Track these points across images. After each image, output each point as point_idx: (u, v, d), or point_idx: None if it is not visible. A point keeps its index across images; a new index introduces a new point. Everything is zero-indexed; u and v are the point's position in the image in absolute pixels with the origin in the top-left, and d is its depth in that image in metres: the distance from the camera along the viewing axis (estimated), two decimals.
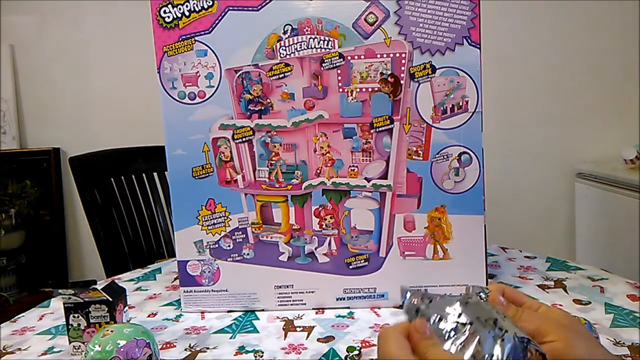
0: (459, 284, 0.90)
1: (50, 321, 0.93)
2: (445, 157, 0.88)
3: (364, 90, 0.87)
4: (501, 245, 1.20)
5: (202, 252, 0.92)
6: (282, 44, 0.87)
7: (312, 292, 0.92)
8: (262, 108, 0.90)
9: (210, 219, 0.92)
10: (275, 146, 0.90)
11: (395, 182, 0.89)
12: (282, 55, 0.88)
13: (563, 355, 0.43)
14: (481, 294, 0.47)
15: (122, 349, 0.66)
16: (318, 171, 0.90)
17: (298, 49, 0.87)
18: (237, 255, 0.92)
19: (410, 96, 0.87)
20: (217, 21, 0.87)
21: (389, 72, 0.86)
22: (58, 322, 0.92)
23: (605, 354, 0.47)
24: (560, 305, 0.88)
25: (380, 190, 0.89)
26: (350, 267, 0.91)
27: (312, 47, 0.87)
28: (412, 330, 0.45)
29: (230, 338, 0.83)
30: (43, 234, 2.25)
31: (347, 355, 0.75)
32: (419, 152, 0.88)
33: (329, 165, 0.90)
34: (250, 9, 0.86)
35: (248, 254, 0.92)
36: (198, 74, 0.88)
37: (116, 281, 1.07)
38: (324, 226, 0.91)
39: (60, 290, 0.76)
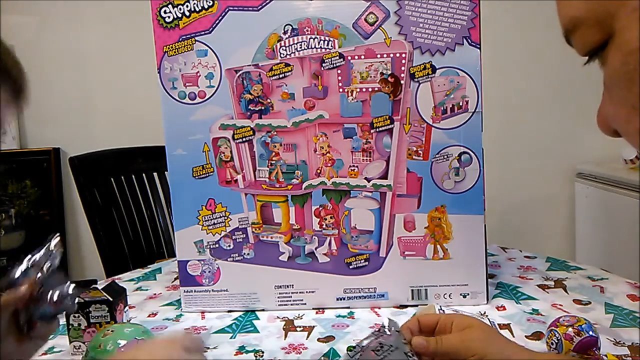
0: (459, 283, 0.90)
1: None
2: (445, 157, 0.88)
3: (364, 90, 0.87)
4: (501, 245, 1.20)
5: (203, 252, 0.92)
6: (283, 44, 0.87)
7: (312, 292, 0.92)
8: (263, 108, 0.90)
9: (211, 219, 0.92)
10: (275, 146, 0.90)
11: (395, 182, 0.89)
12: (282, 55, 0.88)
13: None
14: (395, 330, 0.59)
15: (122, 349, 0.66)
16: (318, 171, 0.90)
17: (298, 49, 0.87)
18: (237, 255, 0.92)
19: (411, 96, 0.87)
20: (217, 21, 0.87)
21: (389, 72, 0.86)
22: None
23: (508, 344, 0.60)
24: (560, 305, 0.89)
25: (381, 190, 0.89)
26: (351, 267, 0.91)
27: (313, 47, 0.87)
28: None
29: (231, 338, 0.83)
30: (43, 234, 2.24)
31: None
32: (419, 152, 0.88)
33: (329, 165, 0.90)
34: (251, 9, 0.86)
35: (248, 254, 0.92)
36: (198, 74, 0.89)
37: (116, 281, 1.07)
38: (324, 226, 0.91)
39: None
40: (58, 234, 0.61)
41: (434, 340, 0.59)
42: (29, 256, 0.58)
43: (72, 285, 0.57)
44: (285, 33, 0.87)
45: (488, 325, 0.62)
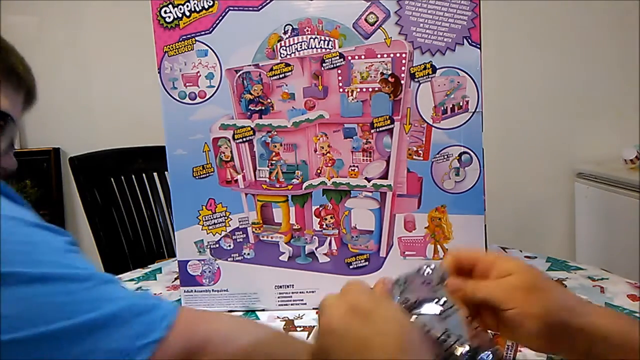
0: None
1: None
2: (445, 157, 0.88)
3: (364, 90, 0.87)
4: (501, 245, 1.20)
5: (203, 252, 0.92)
6: (283, 44, 0.87)
7: (313, 292, 0.92)
8: (263, 108, 0.90)
9: (211, 219, 0.92)
10: (275, 146, 0.90)
11: (395, 182, 0.89)
12: (282, 55, 0.88)
13: (520, 321, 0.49)
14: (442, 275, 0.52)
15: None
16: (318, 171, 0.90)
17: (298, 49, 0.87)
18: (237, 255, 0.92)
19: (411, 96, 0.87)
20: (217, 21, 0.87)
21: (390, 72, 0.86)
22: None
23: (566, 295, 0.52)
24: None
25: (381, 190, 0.89)
26: (351, 267, 0.91)
27: (313, 47, 0.87)
28: (378, 282, 0.52)
29: None
30: None
31: None
32: (420, 152, 0.88)
33: (329, 165, 0.90)
34: (251, 9, 0.86)
35: (248, 254, 0.92)
36: (198, 74, 0.88)
37: None
38: (324, 226, 0.91)
39: None
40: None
41: (471, 285, 0.52)
42: None
43: None
44: (285, 33, 0.87)
45: (532, 271, 0.52)
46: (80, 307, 0.43)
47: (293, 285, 0.92)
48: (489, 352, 0.48)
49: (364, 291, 0.48)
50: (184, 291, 0.93)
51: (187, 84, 0.89)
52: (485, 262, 0.54)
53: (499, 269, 0.52)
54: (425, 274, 0.52)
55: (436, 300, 0.49)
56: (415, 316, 0.48)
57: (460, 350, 0.46)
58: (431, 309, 0.48)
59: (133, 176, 1.59)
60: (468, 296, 0.52)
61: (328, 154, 0.90)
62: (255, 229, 0.92)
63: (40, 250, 0.45)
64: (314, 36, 0.87)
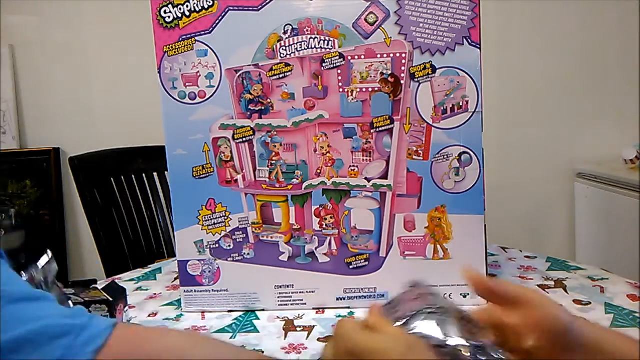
0: (459, 283, 0.90)
1: None
2: (445, 157, 0.88)
3: (364, 90, 0.87)
4: (501, 245, 1.20)
5: (203, 252, 0.92)
6: (283, 44, 0.87)
7: (313, 292, 0.92)
8: (263, 108, 0.90)
9: (211, 219, 0.92)
10: (275, 146, 0.90)
11: (395, 182, 0.89)
12: (282, 55, 0.88)
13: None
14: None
15: None
16: (318, 171, 0.90)
17: (298, 49, 0.87)
18: (237, 255, 0.92)
19: (411, 96, 0.87)
20: (217, 21, 0.87)
21: (389, 72, 0.86)
22: None
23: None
24: (561, 305, 0.88)
25: (381, 190, 0.89)
26: (351, 267, 0.91)
27: (313, 47, 0.87)
28: (371, 310, 0.51)
29: (231, 338, 0.83)
30: (43, 234, 2.24)
31: None
32: (419, 152, 0.88)
33: (329, 165, 0.90)
34: (251, 9, 0.86)
35: (248, 254, 0.92)
36: (198, 74, 0.88)
37: (116, 281, 1.07)
38: (324, 226, 0.91)
39: None
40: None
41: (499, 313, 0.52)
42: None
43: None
44: (285, 33, 0.87)
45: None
46: None
47: (293, 285, 0.92)
48: (496, 349, 0.48)
49: (356, 330, 0.46)
50: (184, 291, 0.93)
51: (187, 84, 0.89)
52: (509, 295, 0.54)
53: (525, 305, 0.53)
54: (412, 290, 0.54)
55: (430, 310, 0.49)
56: (413, 330, 0.48)
57: (464, 352, 0.46)
58: (427, 319, 0.49)
59: (133, 176, 1.59)
60: (488, 285, 0.53)
61: (328, 154, 0.90)
62: (255, 229, 0.92)
63: None
64: (314, 36, 0.87)
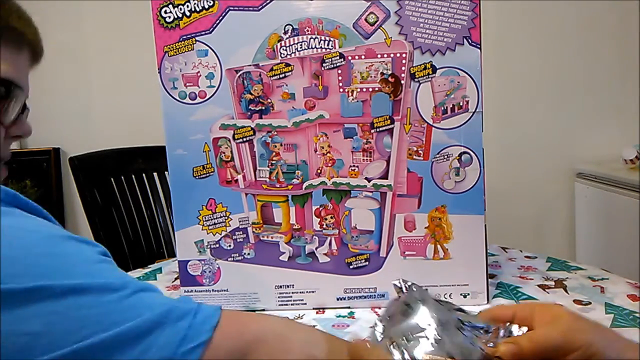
0: (460, 283, 0.90)
1: None
2: (445, 157, 0.88)
3: (364, 90, 0.87)
4: (502, 245, 1.20)
5: (203, 252, 0.92)
6: (283, 44, 0.87)
7: (313, 292, 0.92)
8: (263, 108, 0.90)
9: (211, 219, 0.92)
10: (275, 146, 0.90)
11: (395, 182, 0.89)
12: (282, 55, 0.88)
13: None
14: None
15: None
16: (319, 171, 0.90)
17: (299, 49, 0.87)
18: (237, 255, 0.92)
19: (411, 96, 0.87)
20: (217, 21, 0.87)
21: (390, 72, 0.86)
22: None
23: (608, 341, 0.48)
24: (561, 306, 0.88)
25: (381, 190, 0.89)
26: (351, 267, 0.91)
27: (313, 47, 0.87)
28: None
29: None
30: None
31: None
32: (420, 152, 0.88)
33: (329, 165, 0.90)
34: (251, 9, 0.86)
35: (249, 254, 0.92)
36: (199, 74, 0.89)
37: None
38: (324, 226, 0.91)
39: None
40: None
41: (526, 339, 0.48)
42: None
43: None
44: (285, 33, 0.87)
45: (575, 312, 0.51)
46: (118, 316, 0.41)
47: (293, 285, 0.92)
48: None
49: None
50: (184, 291, 0.93)
51: (187, 84, 0.89)
52: (523, 311, 0.51)
53: (541, 314, 0.50)
54: (401, 299, 0.52)
55: (422, 327, 0.48)
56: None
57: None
58: (422, 339, 0.48)
59: (133, 176, 1.59)
60: (526, 352, 0.47)
61: (328, 154, 0.90)
62: (256, 229, 0.92)
63: (70, 262, 0.43)
64: (314, 36, 0.87)
